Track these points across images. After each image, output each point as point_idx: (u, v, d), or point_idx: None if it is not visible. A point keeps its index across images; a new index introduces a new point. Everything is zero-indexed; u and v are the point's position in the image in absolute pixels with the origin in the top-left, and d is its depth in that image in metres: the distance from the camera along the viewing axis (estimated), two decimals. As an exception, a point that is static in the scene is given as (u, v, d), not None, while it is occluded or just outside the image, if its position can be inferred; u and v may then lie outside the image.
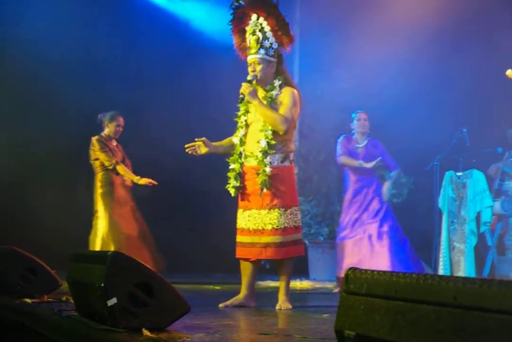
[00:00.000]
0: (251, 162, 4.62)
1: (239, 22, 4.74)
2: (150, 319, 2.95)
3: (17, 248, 4.63)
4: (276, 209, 4.54)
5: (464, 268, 5.93)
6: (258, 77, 4.60)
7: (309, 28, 7.92)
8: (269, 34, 4.60)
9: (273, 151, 4.57)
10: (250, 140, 4.65)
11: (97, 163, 6.35)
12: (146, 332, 2.81)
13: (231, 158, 4.71)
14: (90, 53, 8.50)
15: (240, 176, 4.65)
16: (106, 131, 6.42)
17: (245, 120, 4.70)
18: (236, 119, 4.77)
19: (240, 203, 4.69)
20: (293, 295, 4.84)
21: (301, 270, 7.57)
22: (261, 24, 4.62)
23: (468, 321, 1.49)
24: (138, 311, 2.94)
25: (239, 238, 4.66)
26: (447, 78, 8.02)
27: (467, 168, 6.36)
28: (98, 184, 6.35)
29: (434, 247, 6.91)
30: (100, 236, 6.23)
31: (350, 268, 1.94)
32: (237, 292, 4.68)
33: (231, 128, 4.87)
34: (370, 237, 6.28)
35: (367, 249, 6.24)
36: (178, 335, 2.87)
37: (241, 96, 4.62)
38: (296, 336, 3.01)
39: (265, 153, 4.54)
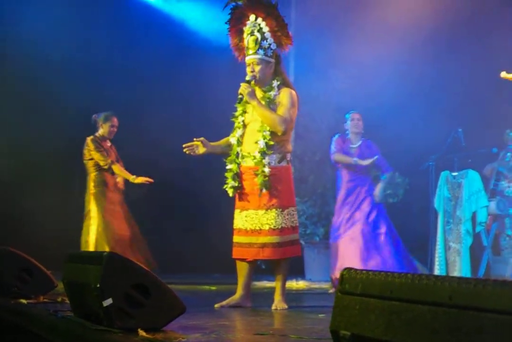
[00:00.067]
0: (248, 163, 4.62)
1: (236, 22, 4.74)
2: (146, 320, 2.95)
3: (13, 248, 4.63)
4: (274, 209, 4.54)
5: (460, 268, 5.94)
6: (257, 78, 4.60)
7: (304, 28, 7.92)
8: (267, 34, 4.60)
9: (271, 151, 4.57)
10: (247, 141, 4.65)
11: (90, 163, 6.36)
12: (141, 333, 2.81)
13: (228, 158, 4.71)
14: (86, 54, 8.49)
15: (238, 176, 4.65)
16: (101, 131, 6.42)
17: (243, 121, 4.70)
18: (233, 119, 4.77)
19: (237, 203, 4.69)
20: (289, 295, 4.84)
21: (297, 270, 7.57)
22: (259, 25, 4.61)
23: (463, 321, 1.49)
24: (134, 311, 2.94)
25: (236, 238, 4.66)
26: (442, 79, 8.03)
27: (462, 168, 6.37)
28: (91, 184, 6.35)
29: (429, 247, 6.92)
30: (93, 236, 6.22)
31: (345, 268, 1.94)
32: (233, 293, 4.67)
33: (228, 129, 4.87)
34: (363, 237, 6.28)
35: (360, 250, 6.24)
36: (174, 336, 2.87)
37: (239, 96, 4.62)
38: (292, 336, 3.01)
39: (263, 153, 4.55)
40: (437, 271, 6.19)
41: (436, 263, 6.25)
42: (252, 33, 4.61)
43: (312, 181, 8.20)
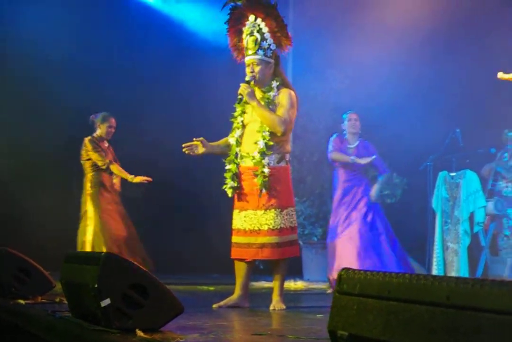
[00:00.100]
0: (247, 163, 4.62)
1: (235, 22, 4.73)
2: (144, 320, 2.95)
3: (11, 249, 4.62)
4: (272, 210, 4.54)
5: (458, 268, 5.94)
6: (256, 78, 4.60)
7: (302, 29, 7.92)
8: (267, 35, 4.60)
9: (270, 152, 4.57)
10: (246, 141, 4.65)
11: (87, 163, 6.36)
12: (139, 333, 2.80)
13: (227, 159, 4.71)
14: (86, 55, 8.49)
15: (237, 176, 4.65)
16: (98, 132, 6.43)
17: (242, 121, 4.70)
18: (232, 119, 4.77)
19: (236, 204, 4.69)
20: (287, 296, 4.84)
21: (295, 270, 7.57)
22: (259, 25, 4.61)
23: (461, 321, 1.49)
24: (132, 312, 2.93)
25: (235, 239, 4.66)
26: (440, 79, 8.03)
27: (460, 168, 6.37)
28: (88, 184, 6.35)
29: (427, 247, 6.92)
30: (90, 236, 6.22)
31: (343, 269, 1.94)
32: (231, 293, 4.67)
33: (227, 129, 4.87)
34: (360, 237, 6.27)
35: (357, 249, 6.23)
36: (172, 336, 2.86)
37: (239, 97, 4.61)
38: (290, 336, 3.01)
39: (263, 154, 4.54)
40: (435, 271, 6.19)
41: (434, 263, 6.25)
42: (251, 34, 4.61)
43: (310, 181, 8.20)
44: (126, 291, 2.93)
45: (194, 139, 4.67)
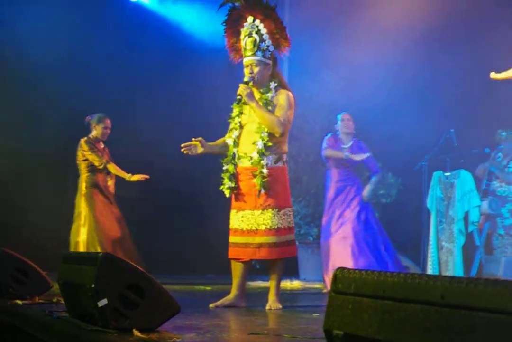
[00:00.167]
0: (244, 163, 4.62)
1: (233, 23, 4.73)
2: (141, 320, 2.95)
3: (9, 249, 4.61)
4: (270, 210, 4.54)
5: (452, 268, 5.95)
6: (255, 79, 4.60)
7: (298, 30, 7.91)
8: (265, 36, 4.60)
9: (268, 152, 4.57)
10: (244, 142, 4.65)
11: (83, 164, 6.38)
12: (136, 333, 2.80)
13: (225, 159, 4.71)
14: (81, 56, 8.48)
15: (234, 176, 4.65)
16: (94, 133, 6.44)
17: (239, 122, 4.70)
18: (230, 120, 4.77)
19: (234, 204, 4.68)
20: (283, 295, 4.83)
21: (291, 270, 7.57)
22: (257, 27, 4.61)
23: (455, 320, 1.48)
24: (129, 312, 2.93)
25: (232, 239, 4.65)
26: (435, 80, 8.04)
27: (455, 168, 6.38)
28: (83, 185, 6.37)
29: (422, 247, 6.93)
30: (84, 236, 6.22)
31: (338, 268, 1.94)
32: (227, 293, 4.67)
33: (223, 129, 4.87)
34: (354, 236, 6.28)
35: (352, 248, 6.23)
36: (169, 336, 2.86)
37: (238, 97, 4.61)
38: (286, 335, 3.01)
39: (261, 154, 4.55)
40: (429, 271, 6.20)
41: (429, 262, 6.26)
42: (250, 35, 4.61)
43: (306, 182, 8.20)
44: (123, 291, 2.93)
45: (193, 139, 4.67)
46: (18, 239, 7.24)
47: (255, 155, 4.55)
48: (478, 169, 6.99)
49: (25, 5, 8.22)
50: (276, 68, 4.75)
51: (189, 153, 4.68)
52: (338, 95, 8.12)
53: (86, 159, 6.36)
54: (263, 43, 4.60)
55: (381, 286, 1.73)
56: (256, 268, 7.30)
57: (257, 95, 4.63)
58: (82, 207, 6.32)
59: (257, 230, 4.54)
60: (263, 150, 4.55)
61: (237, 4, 4.70)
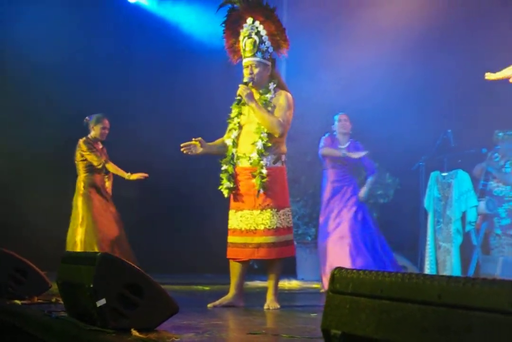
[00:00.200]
0: (243, 164, 4.63)
1: (233, 24, 4.74)
2: (140, 320, 2.94)
3: (7, 249, 4.61)
4: (269, 209, 4.54)
5: (450, 267, 5.95)
6: (255, 80, 4.60)
7: (295, 30, 7.92)
8: (265, 38, 4.61)
9: (267, 153, 4.58)
10: (243, 142, 4.65)
11: (81, 164, 6.39)
12: (135, 333, 2.79)
13: (224, 160, 4.71)
14: (80, 57, 8.48)
15: (233, 176, 4.65)
16: (92, 133, 6.45)
17: (238, 122, 4.70)
18: (229, 121, 4.77)
19: (232, 204, 4.68)
20: (281, 295, 4.83)
21: (289, 270, 7.57)
22: (257, 28, 4.62)
23: (452, 320, 1.48)
24: (128, 311, 2.93)
25: (231, 239, 4.65)
26: (432, 80, 8.04)
27: (452, 168, 6.39)
28: (81, 184, 6.38)
29: (420, 246, 6.93)
30: (82, 236, 6.21)
31: (336, 268, 1.94)
32: (225, 292, 4.67)
33: (221, 130, 4.87)
34: (351, 235, 6.27)
35: (349, 248, 6.23)
36: (167, 335, 2.86)
37: (238, 98, 4.62)
38: (284, 335, 3.01)
39: (261, 155, 4.55)
40: (427, 270, 6.20)
41: (426, 262, 6.26)
42: (249, 36, 4.61)
43: (304, 182, 8.20)
44: (121, 291, 2.92)
45: (193, 139, 4.66)
46: (18, 239, 7.24)
47: (255, 156, 4.55)
48: (475, 169, 6.99)
49: (24, 5, 8.21)
50: (275, 69, 4.75)
51: (189, 153, 4.67)
52: (336, 95, 8.12)
53: (85, 160, 6.37)
54: (263, 44, 4.60)
55: (378, 285, 1.73)
56: (254, 268, 7.30)
57: (256, 96, 4.63)
58: (80, 207, 6.32)
59: (256, 230, 4.54)
60: (263, 151, 4.55)
61: (236, 5, 4.70)
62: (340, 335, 1.81)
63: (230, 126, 4.75)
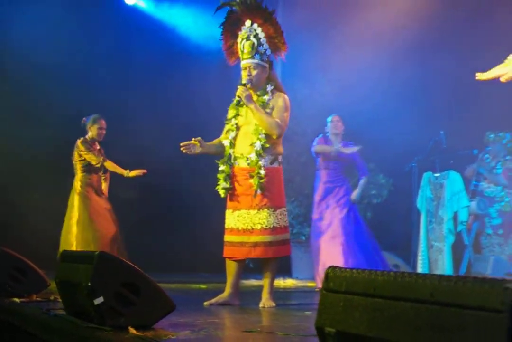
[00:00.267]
0: (241, 164, 4.63)
1: (231, 26, 4.74)
2: (137, 318, 2.94)
3: (7, 248, 4.60)
4: (266, 209, 4.54)
5: (442, 266, 5.96)
6: (253, 82, 4.60)
7: (291, 32, 7.92)
8: (263, 40, 4.61)
9: (265, 154, 4.58)
10: (240, 143, 4.65)
11: (79, 164, 6.41)
12: (132, 330, 2.79)
13: (221, 160, 4.71)
14: (78, 59, 8.46)
15: (230, 177, 4.65)
16: (90, 134, 6.47)
17: (236, 123, 4.70)
18: (226, 121, 4.77)
19: (229, 204, 4.68)
20: (276, 293, 4.83)
21: (284, 268, 7.57)
22: (255, 30, 4.62)
23: (445, 317, 1.49)
24: (125, 309, 2.93)
25: (228, 238, 4.65)
26: (425, 82, 8.04)
27: (444, 169, 6.40)
28: (78, 184, 6.39)
29: (412, 246, 6.94)
30: (78, 235, 6.20)
31: (330, 267, 1.94)
32: (221, 291, 4.66)
33: (216, 131, 4.87)
34: (343, 235, 6.27)
35: (342, 247, 6.23)
36: (164, 333, 2.86)
37: (237, 99, 4.62)
38: (279, 333, 3.01)
39: (259, 156, 4.55)
40: (419, 269, 6.21)
41: (419, 261, 6.27)
42: (248, 38, 4.61)
43: (299, 182, 8.20)
44: (119, 289, 2.92)
45: (193, 139, 4.66)
46: (17, 238, 7.22)
47: (253, 156, 4.56)
48: (467, 170, 7.00)
49: (24, 6, 8.18)
50: (272, 71, 4.76)
51: (188, 152, 4.66)
52: (330, 97, 8.12)
53: (83, 160, 6.39)
54: (261, 46, 4.61)
55: (371, 284, 1.73)
56: (250, 267, 7.30)
57: (254, 97, 4.63)
58: (76, 206, 6.33)
59: (252, 229, 4.54)
60: (261, 152, 4.56)
61: (235, 7, 4.71)
62: (334, 333, 1.81)
63: (228, 127, 4.75)
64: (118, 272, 2.96)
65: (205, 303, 4.53)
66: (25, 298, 4.23)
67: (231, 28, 4.75)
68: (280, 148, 4.70)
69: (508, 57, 3.13)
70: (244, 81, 4.60)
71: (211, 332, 3.01)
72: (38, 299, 4.31)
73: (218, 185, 4.68)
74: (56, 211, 6.61)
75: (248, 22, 4.64)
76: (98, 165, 6.36)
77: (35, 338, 3.24)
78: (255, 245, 4.53)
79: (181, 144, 4.63)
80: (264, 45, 4.62)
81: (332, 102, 7.87)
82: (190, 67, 8.56)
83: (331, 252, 6.24)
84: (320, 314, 1.89)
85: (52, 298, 4.29)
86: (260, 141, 4.55)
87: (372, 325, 1.68)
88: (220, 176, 4.67)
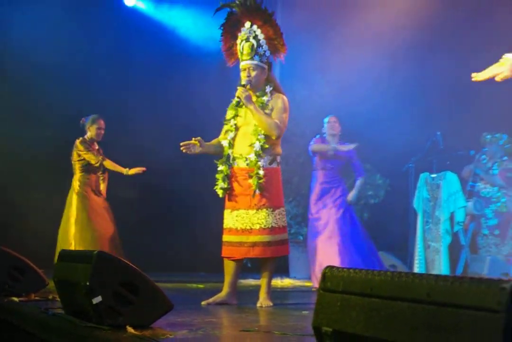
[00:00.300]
0: (240, 164, 4.62)
1: (231, 27, 4.74)
2: (135, 317, 2.94)
3: (5, 247, 4.59)
4: (264, 209, 4.54)
5: (439, 266, 5.95)
6: (252, 83, 4.60)
7: (289, 33, 7.92)
8: (262, 42, 4.61)
9: (264, 154, 4.58)
10: (239, 143, 4.65)
11: (78, 164, 6.42)
12: (130, 329, 2.79)
13: (220, 160, 4.71)
14: (79, 59, 8.45)
15: (228, 177, 4.64)
16: (89, 134, 6.48)
17: (235, 124, 4.70)
18: (225, 122, 4.76)
19: (228, 204, 4.68)
20: (273, 293, 4.82)
21: (281, 268, 7.56)
22: (255, 32, 4.62)
23: (441, 317, 1.48)
24: (123, 309, 2.92)
25: (226, 238, 4.64)
26: (423, 83, 8.04)
27: (441, 170, 6.39)
28: (76, 183, 6.39)
29: (409, 246, 6.94)
30: (77, 234, 6.20)
31: (327, 266, 1.93)
32: (219, 290, 4.66)
33: (215, 131, 4.87)
34: (340, 235, 6.27)
35: (337, 247, 6.22)
36: (162, 332, 2.85)
37: (237, 99, 4.61)
38: (277, 332, 3.01)
39: (258, 156, 4.55)
40: (416, 269, 6.20)
41: (416, 261, 6.27)
42: (247, 40, 4.62)
43: (297, 182, 8.19)
44: (117, 289, 2.92)
45: (193, 138, 4.65)
46: (17, 238, 7.22)
47: (252, 157, 4.56)
48: (464, 171, 7.01)
49: (24, 6, 8.17)
50: (271, 72, 4.76)
51: (188, 152, 4.66)
52: (329, 98, 8.12)
53: (82, 159, 6.40)
54: (260, 48, 4.61)
55: (368, 284, 1.72)
56: (247, 267, 7.29)
57: (253, 98, 4.63)
58: (74, 205, 6.32)
59: (251, 229, 4.54)
60: (260, 152, 4.55)
61: (234, 9, 4.70)
62: (331, 333, 1.81)
63: (227, 127, 4.75)
64: (116, 271, 2.95)
65: (203, 303, 4.52)
66: (23, 297, 4.22)
67: (230, 30, 4.75)
68: (279, 149, 4.70)
69: (504, 56, 3.12)
70: (243, 82, 4.59)
71: (209, 332, 3.00)
72: (36, 298, 4.30)
73: (217, 185, 4.68)
74: (56, 211, 6.60)
75: (247, 24, 4.64)
76: (97, 164, 6.36)
77: (34, 337, 3.23)
78: (254, 244, 4.52)
79: (181, 144, 4.63)
80: (263, 47, 4.62)
81: (330, 103, 7.86)
82: (190, 68, 8.56)
83: (328, 252, 6.23)
84: (317, 314, 1.89)
85: (50, 297, 4.28)
86: (260, 142, 4.55)
87: (369, 325, 1.68)
88: (219, 176, 4.67)
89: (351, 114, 7.27)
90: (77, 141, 6.42)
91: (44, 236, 6.94)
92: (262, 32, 4.62)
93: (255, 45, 4.60)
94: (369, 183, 7.69)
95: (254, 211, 4.54)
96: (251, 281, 7.02)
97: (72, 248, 6.12)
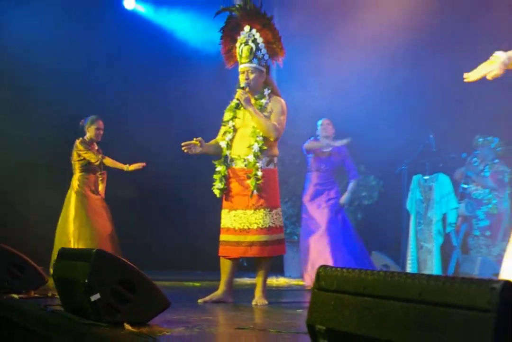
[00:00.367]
0: (238, 165, 4.63)
1: (230, 31, 4.75)
2: (132, 314, 2.94)
3: (5, 245, 4.59)
4: (262, 209, 4.55)
5: (431, 266, 5.97)
6: (251, 85, 4.61)
7: (286, 37, 7.92)
8: (261, 45, 4.63)
9: (262, 156, 4.59)
10: (237, 144, 4.66)
11: (77, 164, 6.43)
12: (127, 326, 2.79)
13: (218, 161, 4.71)
14: (79, 60, 8.44)
15: (225, 178, 4.65)
16: (88, 135, 6.49)
17: (233, 126, 4.70)
18: (223, 124, 4.77)
19: (225, 204, 4.68)
20: (269, 292, 4.83)
21: (277, 267, 7.56)
22: (254, 35, 4.63)
23: (433, 316, 1.48)
24: (121, 306, 2.92)
25: (224, 237, 4.64)
26: (416, 86, 8.04)
27: (433, 172, 6.41)
28: (75, 183, 6.40)
29: (402, 246, 6.95)
30: (75, 232, 6.19)
31: (321, 266, 1.94)
32: (215, 289, 4.66)
33: (214, 132, 4.87)
34: (332, 235, 6.27)
35: (329, 247, 6.22)
36: (159, 329, 2.85)
37: (236, 101, 4.62)
38: (271, 330, 3.01)
39: (257, 157, 4.55)
40: (409, 269, 6.21)
41: (408, 261, 6.28)
42: (246, 43, 4.63)
43: (293, 183, 8.20)
44: (115, 287, 2.92)
45: (194, 139, 4.66)
46: (17, 237, 7.19)
47: (251, 158, 4.56)
48: (456, 173, 7.02)
49: (24, 6, 8.16)
50: (269, 75, 4.76)
51: (189, 152, 4.66)
52: (324, 101, 8.12)
53: (82, 159, 6.41)
54: (259, 51, 4.62)
55: (361, 283, 1.73)
56: (243, 266, 7.29)
57: (251, 101, 4.63)
58: (73, 204, 6.32)
59: (249, 228, 4.54)
60: (258, 154, 4.56)
61: (234, 13, 4.71)
62: (325, 331, 1.81)
63: (225, 129, 4.75)
64: (114, 269, 2.95)
65: (199, 301, 4.52)
66: (23, 294, 4.21)
67: (230, 33, 4.76)
68: (276, 150, 4.71)
69: (494, 54, 3.11)
70: (242, 85, 4.60)
71: (205, 329, 3.00)
72: (36, 295, 4.30)
73: (214, 185, 4.68)
74: (55, 210, 6.59)
75: (247, 27, 4.65)
76: (97, 163, 6.38)
77: (33, 334, 3.23)
78: (251, 244, 4.53)
79: (182, 144, 4.63)
80: (262, 50, 4.63)
81: (326, 106, 7.86)
82: (188, 70, 8.56)
83: (320, 251, 6.23)
84: (311, 312, 1.89)
85: (49, 294, 4.28)
86: (258, 144, 4.56)
87: (361, 324, 1.68)
88: (216, 177, 4.68)
89: (347, 116, 7.27)
90: (77, 142, 6.44)
91: (44, 236, 6.93)
92: (261, 36, 4.63)
93: (254, 49, 4.61)
94: (363, 184, 7.70)
95: (252, 211, 4.55)
96: (246, 280, 7.02)
97: (71, 245, 6.11)
